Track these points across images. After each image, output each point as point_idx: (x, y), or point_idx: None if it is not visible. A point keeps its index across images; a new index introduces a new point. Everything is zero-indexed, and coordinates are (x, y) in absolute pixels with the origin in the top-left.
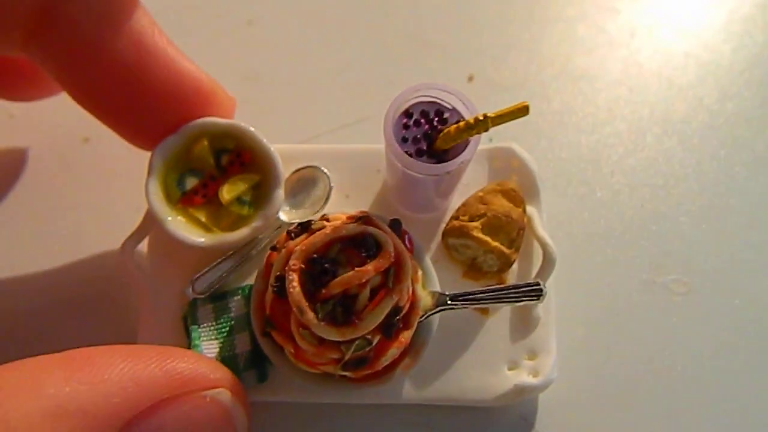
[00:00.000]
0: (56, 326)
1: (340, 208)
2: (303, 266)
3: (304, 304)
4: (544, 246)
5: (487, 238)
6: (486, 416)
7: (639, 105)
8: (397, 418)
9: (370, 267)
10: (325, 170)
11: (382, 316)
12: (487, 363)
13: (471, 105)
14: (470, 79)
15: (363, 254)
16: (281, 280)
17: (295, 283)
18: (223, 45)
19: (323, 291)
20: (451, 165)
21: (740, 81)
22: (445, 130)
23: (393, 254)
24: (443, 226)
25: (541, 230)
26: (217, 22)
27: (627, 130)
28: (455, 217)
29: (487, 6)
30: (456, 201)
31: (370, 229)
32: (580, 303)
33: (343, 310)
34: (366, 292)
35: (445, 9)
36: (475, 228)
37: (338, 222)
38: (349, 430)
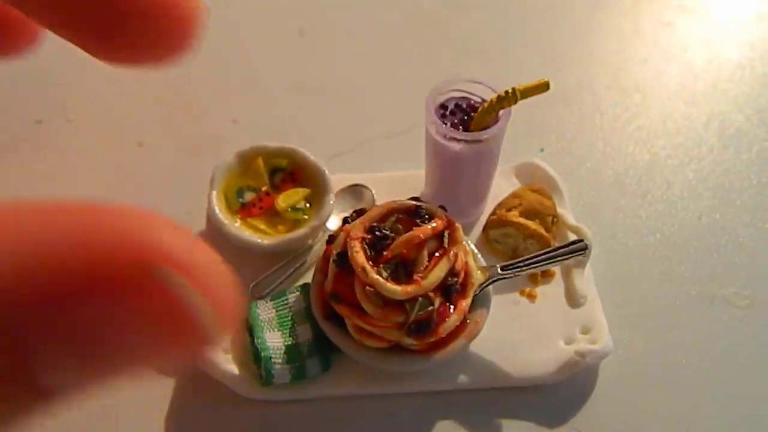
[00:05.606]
0: None
1: None
2: (363, 236)
3: (368, 264)
4: (578, 232)
5: (527, 222)
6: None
7: (694, 117)
8: (456, 404)
9: (427, 226)
10: (370, 188)
11: (442, 274)
12: (544, 341)
13: (499, 90)
14: None
15: (417, 221)
16: (343, 253)
17: (358, 248)
18: (275, 55)
19: (384, 254)
20: (489, 132)
21: None
22: (480, 110)
23: (445, 219)
24: (480, 229)
25: (574, 221)
26: (269, 34)
27: (682, 142)
28: (492, 213)
29: (539, 19)
30: (488, 209)
31: (422, 203)
32: (638, 315)
33: (405, 272)
34: (424, 254)
35: (494, 20)
36: (513, 215)
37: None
38: (408, 418)
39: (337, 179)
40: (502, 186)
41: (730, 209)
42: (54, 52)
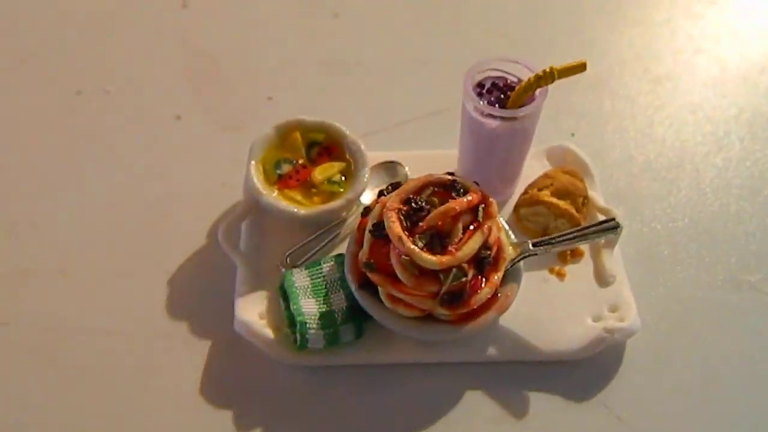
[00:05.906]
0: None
1: None
2: (399, 207)
3: (405, 234)
4: (608, 213)
5: (558, 201)
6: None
7: (724, 107)
8: (484, 376)
9: (462, 199)
10: (404, 165)
11: (476, 247)
12: (572, 317)
13: (536, 69)
14: None
15: (453, 195)
16: (379, 224)
17: (394, 218)
18: (310, 36)
19: (420, 225)
20: (526, 110)
21: None
22: (517, 88)
23: (480, 193)
24: (511, 209)
25: (604, 203)
26: (304, 15)
27: (712, 131)
28: (524, 193)
29: (573, 7)
30: (519, 189)
31: (457, 177)
32: (665, 298)
33: (439, 244)
34: (459, 227)
35: (529, 7)
36: (545, 194)
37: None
38: (437, 388)
39: (371, 156)
40: (533, 168)
41: (759, 198)
42: (93, 26)
